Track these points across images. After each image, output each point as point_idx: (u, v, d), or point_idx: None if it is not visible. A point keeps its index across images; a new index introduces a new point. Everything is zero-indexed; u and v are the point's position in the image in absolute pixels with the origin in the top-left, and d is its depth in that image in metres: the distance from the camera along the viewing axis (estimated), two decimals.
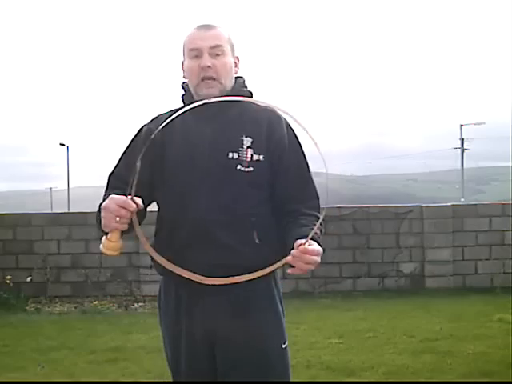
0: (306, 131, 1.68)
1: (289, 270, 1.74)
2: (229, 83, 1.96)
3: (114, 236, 1.76)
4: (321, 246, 1.79)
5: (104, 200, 1.84)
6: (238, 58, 2.03)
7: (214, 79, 1.92)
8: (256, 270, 1.85)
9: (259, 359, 1.90)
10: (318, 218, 1.90)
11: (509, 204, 8.23)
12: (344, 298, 7.45)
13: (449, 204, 8.37)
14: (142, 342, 5.46)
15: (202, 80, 1.92)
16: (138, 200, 1.76)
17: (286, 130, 1.96)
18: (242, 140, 1.91)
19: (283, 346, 1.95)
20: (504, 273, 7.97)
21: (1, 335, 5.84)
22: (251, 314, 1.92)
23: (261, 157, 1.91)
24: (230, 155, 1.90)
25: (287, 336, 1.98)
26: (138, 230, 1.80)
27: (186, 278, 1.86)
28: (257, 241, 1.90)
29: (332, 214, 7.50)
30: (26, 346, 5.39)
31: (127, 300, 7.50)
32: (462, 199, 35.72)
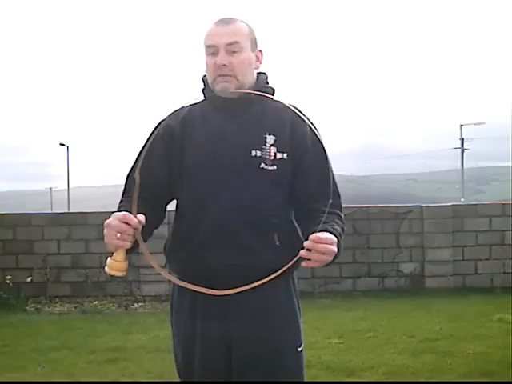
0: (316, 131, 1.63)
1: (303, 263, 1.67)
2: (248, 79, 1.91)
3: (119, 256, 1.69)
4: (339, 239, 1.73)
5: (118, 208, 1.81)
6: (260, 52, 1.97)
7: (231, 75, 1.87)
8: (275, 272, 1.78)
9: (274, 362, 1.87)
10: (340, 216, 1.86)
11: (509, 204, 8.23)
12: (344, 298, 7.45)
13: (449, 204, 8.37)
14: (142, 341, 5.46)
15: (219, 76, 1.87)
16: (141, 217, 1.70)
17: (308, 128, 1.91)
18: (266, 138, 1.87)
19: (299, 349, 1.92)
20: (504, 273, 7.97)
21: (1, 335, 5.84)
22: (269, 315, 1.89)
23: (284, 155, 1.87)
24: (253, 153, 1.85)
25: (303, 338, 1.95)
26: (143, 245, 1.75)
27: (203, 279, 1.82)
28: (277, 243, 1.86)
29: None
30: (26, 346, 5.39)
31: (127, 300, 7.50)
32: (462, 199, 35.72)
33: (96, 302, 7.42)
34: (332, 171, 1.88)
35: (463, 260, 8.04)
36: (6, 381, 4.41)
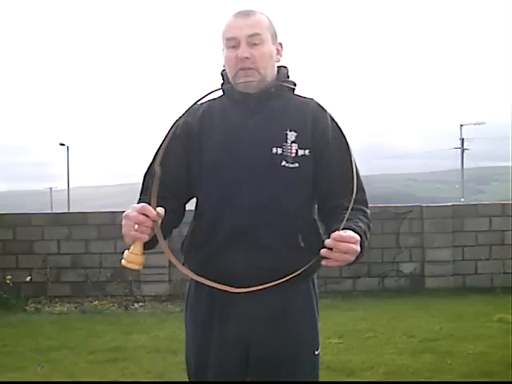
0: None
1: (323, 262, 1.60)
2: (270, 73, 1.85)
3: (136, 248, 1.61)
4: (363, 237, 1.67)
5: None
6: (280, 45, 1.91)
7: (253, 69, 1.81)
8: (298, 279, 1.73)
9: (291, 364, 1.84)
10: (365, 212, 1.79)
11: (509, 204, 8.23)
12: (344, 297, 7.44)
13: (449, 204, 8.36)
14: (142, 341, 5.46)
15: (241, 69, 1.81)
16: (160, 210, 1.64)
17: (330, 122, 1.85)
18: (287, 134, 1.81)
19: (316, 352, 1.89)
20: (504, 273, 7.97)
21: (1, 335, 5.84)
22: (288, 317, 1.85)
23: (306, 152, 1.81)
24: (274, 150, 1.80)
25: (320, 342, 1.93)
26: (162, 240, 1.68)
27: (222, 277, 1.76)
28: (302, 244, 1.81)
29: None
30: (26, 346, 5.39)
31: (127, 300, 7.50)
32: (462, 199, 35.72)
33: (96, 302, 7.41)
34: (356, 165, 1.80)
35: (463, 260, 8.03)
36: (6, 381, 4.41)
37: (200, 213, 1.91)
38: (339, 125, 1.85)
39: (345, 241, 1.57)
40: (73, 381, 4.40)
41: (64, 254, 7.83)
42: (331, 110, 1.86)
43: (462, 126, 44.08)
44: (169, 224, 1.77)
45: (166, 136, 1.87)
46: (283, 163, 1.80)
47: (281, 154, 1.80)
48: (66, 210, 27.61)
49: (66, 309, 7.33)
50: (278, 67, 1.91)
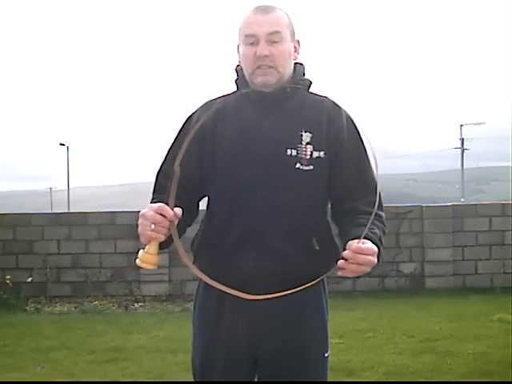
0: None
1: (339, 272, 1.58)
2: (287, 71, 1.81)
3: (152, 248, 1.58)
4: (380, 246, 1.66)
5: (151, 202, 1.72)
6: (298, 42, 1.87)
7: (271, 67, 1.77)
8: (309, 278, 1.72)
9: (301, 366, 1.83)
10: (380, 216, 1.76)
11: (509, 204, 8.23)
12: (344, 297, 7.43)
13: (449, 204, 8.36)
14: (142, 341, 5.46)
15: (258, 67, 1.77)
16: (178, 210, 1.60)
17: (345, 121, 1.81)
18: (301, 135, 1.77)
19: (325, 354, 1.88)
20: (504, 273, 7.97)
21: (1, 335, 5.84)
22: (298, 319, 1.83)
23: (321, 153, 1.77)
24: (289, 152, 1.76)
25: (330, 344, 1.91)
26: (177, 241, 1.64)
27: (232, 281, 1.73)
28: (317, 247, 1.78)
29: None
30: (26, 346, 5.39)
31: (127, 300, 7.50)
32: (462, 199, 35.73)
33: (96, 302, 7.41)
34: (371, 166, 1.78)
35: (463, 260, 8.03)
36: (6, 381, 4.41)
37: (212, 212, 1.88)
38: (355, 123, 1.82)
39: (363, 253, 1.56)
40: (73, 381, 4.40)
41: (64, 254, 7.83)
42: (347, 107, 1.83)
43: (462, 126, 44.10)
44: (183, 223, 1.74)
45: (178, 133, 1.86)
46: (297, 165, 1.76)
47: (295, 156, 1.77)
48: (66, 210, 27.61)
49: (65, 309, 7.34)
50: (294, 64, 1.87)
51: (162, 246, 1.65)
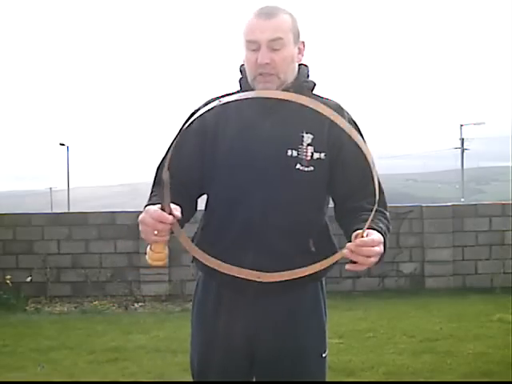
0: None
1: (347, 266, 1.57)
2: (290, 76, 1.81)
3: (158, 247, 1.63)
4: (385, 236, 1.65)
5: (148, 203, 1.70)
6: (303, 44, 1.86)
7: (272, 74, 1.77)
8: (308, 279, 1.73)
9: (298, 366, 1.84)
10: (384, 214, 1.76)
11: (509, 204, 8.23)
12: (344, 297, 7.43)
13: (449, 204, 8.36)
14: (142, 341, 5.46)
15: (260, 74, 1.78)
16: (176, 211, 1.60)
17: (347, 123, 1.80)
18: (303, 136, 1.78)
19: (323, 354, 1.89)
20: (504, 273, 7.96)
21: (1, 335, 5.84)
22: (295, 319, 1.84)
23: (322, 155, 1.78)
24: (289, 153, 1.77)
25: (328, 344, 1.92)
26: (181, 234, 1.65)
27: (230, 278, 1.72)
28: (313, 249, 1.80)
29: (332, 214, 7.49)
30: (26, 346, 5.39)
31: (127, 300, 7.50)
32: (462, 199, 35.73)
33: (96, 302, 7.42)
34: (374, 166, 1.77)
35: (463, 260, 8.03)
36: (6, 381, 4.41)
37: (211, 211, 1.88)
38: (358, 126, 1.82)
39: (368, 245, 1.55)
40: (73, 381, 4.40)
41: (64, 254, 7.83)
42: (351, 111, 1.83)
43: (462, 126, 44.11)
44: (181, 219, 1.72)
45: (179, 130, 1.83)
46: (298, 166, 1.77)
47: (296, 157, 1.77)
48: (66, 210, 27.62)
49: (65, 309, 7.33)
50: (299, 65, 1.87)
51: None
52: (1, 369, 4.67)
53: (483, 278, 8.00)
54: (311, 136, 1.79)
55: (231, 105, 1.82)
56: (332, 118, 1.48)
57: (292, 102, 1.53)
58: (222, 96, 1.86)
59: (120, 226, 7.73)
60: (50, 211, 26.85)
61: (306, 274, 1.65)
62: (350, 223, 1.73)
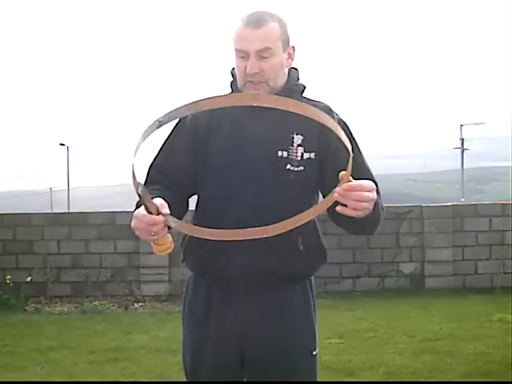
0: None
1: (338, 208, 1.53)
2: (279, 82, 1.85)
3: (161, 240, 1.64)
4: (378, 191, 1.62)
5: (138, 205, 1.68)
6: (293, 48, 1.89)
7: (262, 82, 1.81)
8: (296, 277, 1.75)
9: (288, 365, 1.86)
10: (378, 193, 1.72)
11: (509, 204, 8.23)
12: (344, 297, 7.44)
13: (449, 204, 8.36)
14: (142, 341, 5.46)
15: (250, 81, 1.82)
16: (164, 208, 1.57)
17: (337, 124, 1.84)
18: (293, 137, 1.82)
19: (313, 352, 1.91)
20: (504, 273, 7.97)
21: (1, 335, 5.84)
22: (285, 319, 1.87)
23: (312, 155, 1.82)
24: (280, 153, 1.81)
25: (318, 342, 1.94)
26: (177, 224, 1.61)
27: (220, 277, 1.74)
28: (301, 247, 1.83)
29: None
30: (26, 346, 5.39)
31: (127, 300, 7.50)
32: (462, 199, 35.73)
33: (96, 302, 7.42)
34: (368, 167, 1.82)
35: (463, 260, 8.03)
36: (6, 381, 4.41)
37: (201, 211, 1.91)
38: (348, 126, 1.85)
39: (357, 190, 1.51)
40: (73, 381, 4.40)
41: (64, 254, 7.83)
42: (341, 113, 1.86)
43: (462, 126, 44.11)
44: (174, 216, 1.73)
45: (173, 129, 1.89)
46: (288, 166, 1.80)
47: (286, 158, 1.80)
48: (66, 210, 27.62)
49: (65, 309, 7.33)
50: (289, 69, 1.89)
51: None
52: (1, 369, 4.68)
53: (483, 278, 8.00)
54: (301, 137, 1.82)
55: (222, 108, 1.85)
56: (320, 119, 1.47)
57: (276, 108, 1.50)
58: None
59: (120, 226, 7.73)
60: (50, 211, 26.84)
61: (308, 218, 1.57)
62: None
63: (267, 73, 1.80)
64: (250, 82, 1.81)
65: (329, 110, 1.85)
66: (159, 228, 1.57)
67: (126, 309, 7.27)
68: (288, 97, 1.78)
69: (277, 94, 1.78)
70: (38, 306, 7.36)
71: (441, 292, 7.66)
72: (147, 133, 1.39)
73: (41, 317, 6.89)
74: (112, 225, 7.82)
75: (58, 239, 7.85)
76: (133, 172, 1.45)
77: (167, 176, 1.84)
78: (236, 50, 1.83)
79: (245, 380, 1.91)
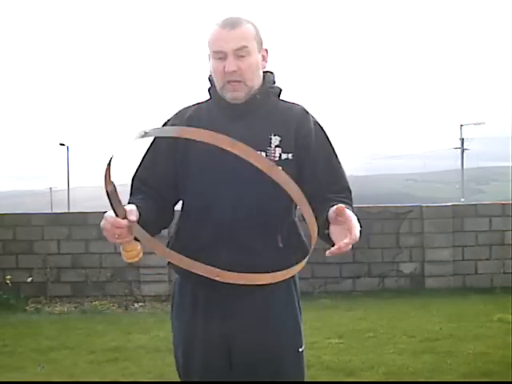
0: None
1: (328, 253, 1.62)
2: (256, 82, 1.91)
3: (129, 246, 1.72)
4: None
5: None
6: (266, 51, 1.96)
7: (240, 81, 1.87)
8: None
9: (274, 363, 1.89)
10: (351, 200, 1.87)
11: (509, 204, 8.23)
12: (344, 297, 7.44)
13: (449, 204, 8.36)
14: (142, 341, 5.46)
15: (228, 82, 1.87)
16: (131, 215, 1.65)
17: (312, 125, 1.92)
18: (271, 139, 1.88)
19: (300, 349, 1.94)
20: (504, 273, 7.97)
21: (1, 335, 5.84)
22: (270, 317, 1.90)
23: (289, 155, 1.88)
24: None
25: (304, 339, 1.97)
26: (143, 237, 1.67)
27: (204, 278, 1.76)
28: (281, 245, 1.88)
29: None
30: (26, 346, 5.39)
31: (127, 300, 7.50)
32: (462, 199, 35.71)
33: (96, 302, 7.42)
34: (342, 166, 1.92)
35: (463, 260, 8.03)
36: (6, 381, 4.41)
37: (185, 214, 1.97)
38: (323, 127, 1.93)
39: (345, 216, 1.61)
40: (73, 381, 4.40)
41: (64, 253, 7.83)
42: (318, 114, 1.95)
43: (462, 126, 44.09)
44: (157, 225, 1.85)
45: (154, 140, 1.96)
46: None
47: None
48: (66, 210, 27.60)
49: (65, 309, 7.33)
50: (264, 72, 1.95)
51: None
52: (1, 369, 4.68)
53: (483, 278, 8.00)
54: (279, 138, 1.88)
55: (202, 112, 1.95)
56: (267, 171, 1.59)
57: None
58: (193, 105, 2.00)
59: None
60: (50, 211, 26.84)
61: (266, 282, 1.65)
62: (319, 212, 1.79)
63: (245, 71, 1.86)
64: (229, 82, 1.86)
65: (305, 113, 1.94)
66: (123, 232, 1.64)
67: (126, 309, 7.27)
68: (265, 99, 1.91)
69: (254, 96, 1.89)
70: (38, 306, 7.37)
71: (441, 292, 7.66)
72: (130, 139, 1.48)
73: (41, 317, 6.89)
74: None
75: (58, 239, 7.85)
76: (107, 171, 1.52)
77: (149, 186, 1.93)
78: (213, 52, 1.88)
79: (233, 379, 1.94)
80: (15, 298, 7.39)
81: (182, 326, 1.98)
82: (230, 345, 1.89)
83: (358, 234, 1.61)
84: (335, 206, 1.63)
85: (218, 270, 1.62)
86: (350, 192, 1.91)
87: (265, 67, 1.96)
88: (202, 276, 1.76)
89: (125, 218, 1.64)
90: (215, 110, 1.93)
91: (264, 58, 1.95)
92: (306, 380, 1.98)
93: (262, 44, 1.93)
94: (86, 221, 7.88)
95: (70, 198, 39.82)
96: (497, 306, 6.63)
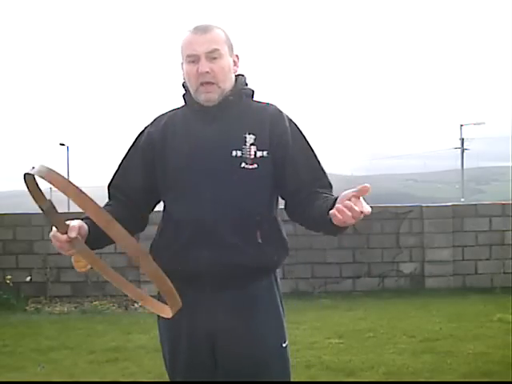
0: None
1: (333, 218, 1.64)
2: (228, 85, 1.96)
3: (76, 257, 1.87)
4: None
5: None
6: (237, 57, 2.02)
7: (213, 83, 1.91)
8: (259, 269, 1.88)
9: (258, 358, 1.92)
10: (331, 195, 1.89)
11: (509, 204, 8.23)
12: (344, 297, 7.44)
13: (449, 204, 8.36)
14: (142, 341, 5.46)
15: (201, 85, 1.92)
16: (72, 231, 1.75)
17: (288, 124, 1.97)
18: (245, 137, 1.92)
19: (283, 344, 1.97)
20: (504, 273, 7.97)
21: (1, 335, 5.84)
22: (252, 314, 1.94)
23: (264, 153, 1.91)
24: (234, 153, 1.90)
25: (288, 335, 2.00)
26: (83, 250, 1.86)
27: (188, 277, 1.88)
28: (259, 240, 1.91)
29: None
30: (26, 346, 5.39)
31: (127, 300, 7.49)
32: (462, 199, 35.72)
33: (96, 302, 7.42)
34: (319, 161, 1.98)
35: (463, 260, 8.03)
36: (6, 381, 4.41)
37: (167, 216, 2.01)
38: (297, 125, 1.98)
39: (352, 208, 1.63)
40: (73, 381, 4.40)
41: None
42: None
43: (462, 126, 44.11)
44: (129, 230, 1.86)
45: (130, 147, 2.03)
46: (242, 165, 1.90)
47: (240, 157, 1.90)
48: (66, 210, 27.56)
49: (65, 309, 7.33)
50: (236, 76, 2.01)
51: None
52: (1, 369, 4.68)
53: (483, 278, 8.00)
54: (253, 136, 1.92)
55: (178, 117, 2.00)
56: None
57: None
58: (168, 112, 2.06)
59: None
60: None
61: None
62: (307, 207, 1.88)
63: (217, 73, 1.91)
64: (202, 84, 1.91)
65: (278, 112, 1.99)
66: (63, 246, 1.77)
67: (126, 309, 7.27)
68: (237, 100, 1.96)
69: (227, 98, 1.94)
70: (38, 306, 7.37)
71: (441, 292, 7.66)
72: (29, 170, 1.60)
73: (41, 317, 6.89)
74: None
75: None
76: (33, 192, 1.68)
77: (123, 193, 1.99)
78: (186, 56, 1.93)
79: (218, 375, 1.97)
80: (15, 297, 7.39)
81: (167, 326, 2.05)
82: (213, 344, 1.93)
83: (369, 209, 1.63)
84: (354, 189, 1.63)
85: (143, 294, 1.78)
86: (331, 188, 1.96)
87: (236, 72, 2.01)
88: (184, 274, 1.87)
89: (65, 232, 1.73)
90: (189, 114, 1.99)
91: (235, 63, 2.00)
92: (290, 375, 2.00)
93: (232, 49, 1.99)
94: None
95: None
96: (497, 305, 6.63)
